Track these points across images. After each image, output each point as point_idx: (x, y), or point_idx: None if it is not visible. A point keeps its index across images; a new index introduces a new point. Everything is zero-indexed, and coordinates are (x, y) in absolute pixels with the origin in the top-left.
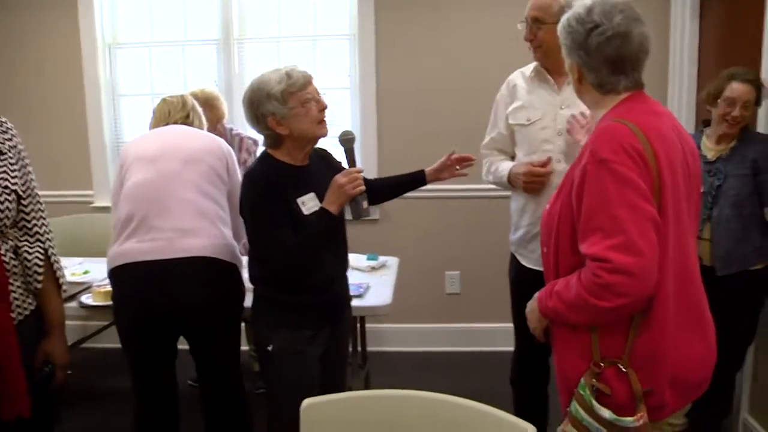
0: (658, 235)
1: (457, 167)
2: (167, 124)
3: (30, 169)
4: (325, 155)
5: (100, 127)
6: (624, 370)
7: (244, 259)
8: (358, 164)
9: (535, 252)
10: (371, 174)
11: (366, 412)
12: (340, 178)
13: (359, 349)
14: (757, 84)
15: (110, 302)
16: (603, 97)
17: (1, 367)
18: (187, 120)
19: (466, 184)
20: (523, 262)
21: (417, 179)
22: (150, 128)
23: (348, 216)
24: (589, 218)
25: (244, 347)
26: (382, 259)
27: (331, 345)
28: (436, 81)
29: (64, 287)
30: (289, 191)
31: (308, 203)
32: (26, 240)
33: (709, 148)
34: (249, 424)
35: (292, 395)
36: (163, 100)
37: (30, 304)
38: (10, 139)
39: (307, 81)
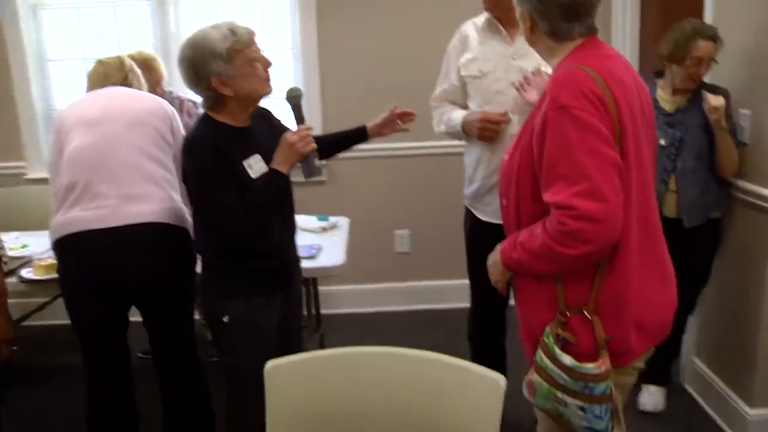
0: (621, 181)
1: (399, 122)
2: (104, 86)
3: None
4: (265, 114)
5: (28, 94)
6: (589, 317)
7: None
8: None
9: (490, 205)
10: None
11: (333, 371)
12: (290, 137)
13: (313, 312)
14: (716, 39)
15: (54, 275)
16: (557, 45)
17: None
18: (125, 81)
19: (413, 142)
20: (479, 216)
21: (358, 135)
22: (87, 92)
23: (297, 177)
24: (551, 166)
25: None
26: (332, 219)
27: (286, 310)
28: (381, 34)
29: (4, 259)
30: (234, 154)
31: (255, 165)
32: None
33: (666, 100)
34: (207, 393)
35: (252, 365)
36: (99, 62)
37: None
38: None
39: (251, 37)
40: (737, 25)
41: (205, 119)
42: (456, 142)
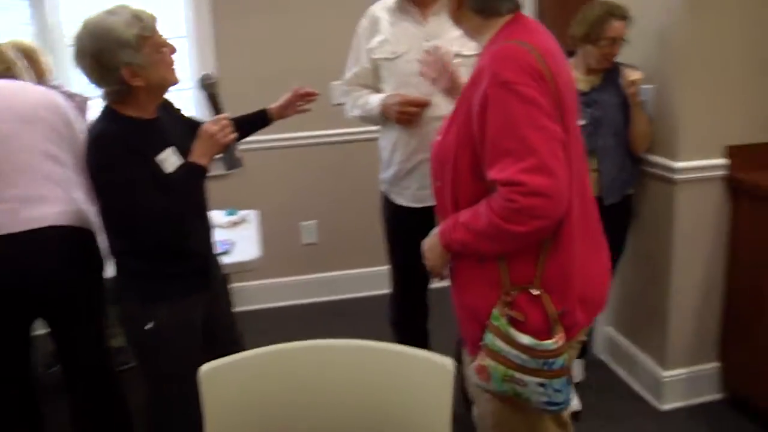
0: (565, 155)
1: (299, 103)
2: None
3: None
4: (167, 105)
5: None
6: (536, 293)
7: None
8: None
9: (409, 189)
10: None
11: (273, 368)
12: (210, 127)
13: None
14: (628, 18)
15: None
16: (485, 22)
17: None
18: (8, 73)
19: (316, 130)
20: (398, 201)
21: (261, 118)
22: None
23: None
24: (496, 142)
25: None
26: (241, 213)
27: (212, 309)
28: (280, 20)
29: None
30: (146, 149)
31: (169, 159)
32: None
33: (581, 80)
34: (125, 404)
35: (181, 368)
36: None
37: None
38: None
39: (155, 22)
40: (639, 3)
41: (109, 114)
42: (360, 129)
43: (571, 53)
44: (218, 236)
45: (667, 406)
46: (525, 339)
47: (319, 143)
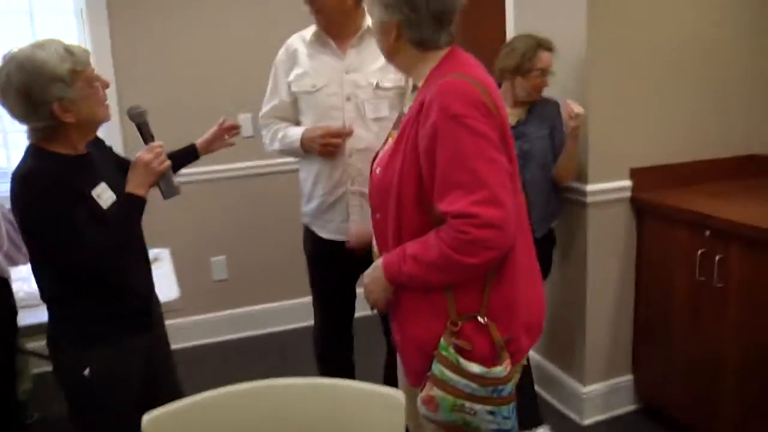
0: (511, 186)
1: (226, 136)
2: None
3: None
4: (97, 141)
5: None
6: (483, 322)
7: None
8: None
9: (332, 222)
10: None
11: (218, 413)
12: (144, 156)
13: None
14: (553, 50)
15: None
16: (423, 54)
17: None
18: None
19: (223, 164)
20: (320, 234)
21: (189, 153)
22: None
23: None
24: (446, 175)
25: None
26: (153, 251)
27: (151, 353)
28: (188, 52)
29: None
30: (79, 185)
31: (104, 195)
32: None
33: (507, 113)
34: None
35: (119, 418)
36: None
37: None
38: None
39: (88, 57)
40: (549, 34)
41: (35, 151)
42: (267, 161)
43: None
44: None
45: (588, 421)
46: (475, 368)
47: (226, 177)
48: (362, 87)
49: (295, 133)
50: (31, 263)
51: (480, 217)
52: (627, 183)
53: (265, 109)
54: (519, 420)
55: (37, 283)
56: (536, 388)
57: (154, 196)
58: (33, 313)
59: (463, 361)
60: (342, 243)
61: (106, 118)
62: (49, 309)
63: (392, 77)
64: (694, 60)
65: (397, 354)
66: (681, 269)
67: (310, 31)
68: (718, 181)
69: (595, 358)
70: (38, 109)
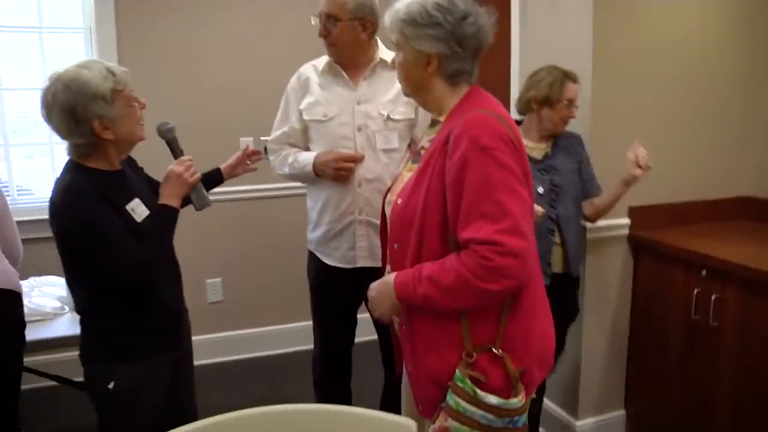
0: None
1: (248, 162)
2: None
3: None
4: (130, 160)
5: None
6: (498, 354)
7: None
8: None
9: (338, 250)
10: None
11: None
12: (176, 168)
13: None
14: (578, 82)
15: None
16: (450, 89)
17: None
18: None
19: (220, 187)
20: (326, 261)
21: (214, 176)
22: None
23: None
24: (473, 204)
25: None
26: None
27: (179, 369)
28: (190, 75)
29: None
30: (117, 199)
31: (137, 209)
32: None
33: (533, 147)
34: None
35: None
36: None
37: None
38: None
39: (128, 78)
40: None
41: (74, 166)
42: (265, 186)
43: (519, 121)
44: None
45: None
46: (492, 399)
47: (222, 200)
48: (373, 118)
49: (307, 157)
50: (66, 275)
51: (504, 245)
52: (625, 221)
53: (275, 134)
54: None
55: (72, 295)
56: None
57: None
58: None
59: (480, 393)
60: (347, 270)
61: (142, 136)
62: (81, 321)
63: (402, 110)
64: (695, 102)
65: (402, 384)
66: (676, 307)
67: (322, 60)
68: (715, 221)
69: (588, 392)
70: (80, 126)
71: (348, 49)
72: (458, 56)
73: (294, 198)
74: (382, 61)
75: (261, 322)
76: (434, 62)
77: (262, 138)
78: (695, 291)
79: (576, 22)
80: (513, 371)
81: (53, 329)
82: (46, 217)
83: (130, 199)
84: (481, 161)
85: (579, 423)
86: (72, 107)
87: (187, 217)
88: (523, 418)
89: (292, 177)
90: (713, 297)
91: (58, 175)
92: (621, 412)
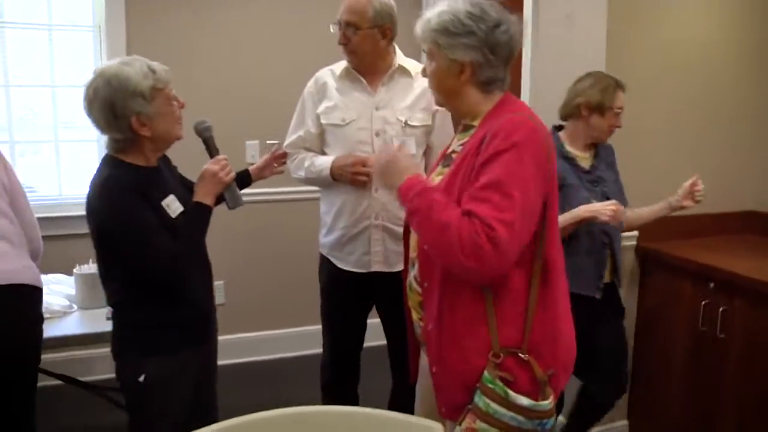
0: (531, 229)
1: (275, 164)
2: None
3: None
4: (165, 159)
5: None
6: (525, 358)
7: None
8: None
9: (353, 254)
10: None
11: None
12: (212, 167)
13: None
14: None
15: None
16: (483, 97)
17: None
18: None
19: None
20: (339, 265)
21: (243, 177)
22: None
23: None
24: (486, 187)
25: None
26: None
27: (206, 365)
28: (200, 76)
29: None
30: (153, 195)
31: (172, 205)
32: None
33: (581, 157)
34: None
35: (172, 424)
36: None
37: None
38: None
39: (169, 76)
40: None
41: (112, 161)
42: (270, 189)
43: (559, 127)
44: None
45: None
46: (524, 400)
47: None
48: (391, 123)
49: (324, 161)
50: (99, 268)
51: (495, 231)
52: (633, 232)
53: (291, 138)
54: None
55: (105, 288)
56: None
57: None
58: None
59: (512, 394)
60: (361, 275)
61: (179, 135)
62: (114, 314)
63: (420, 116)
64: (702, 118)
65: (417, 387)
66: (683, 319)
67: (339, 66)
68: (721, 235)
69: None
70: (119, 121)
71: (368, 56)
72: (491, 64)
73: (300, 202)
74: (400, 68)
75: (264, 326)
76: (467, 70)
77: (268, 142)
78: (703, 303)
79: (589, 37)
80: (540, 375)
81: (61, 327)
82: (51, 215)
83: (165, 195)
84: (509, 155)
85: None
86: (112, 102)
87: None
88: (551, 421)
89: (307, 181)
90: (721, 309)
91: (96, 169)
92: (623, 422)
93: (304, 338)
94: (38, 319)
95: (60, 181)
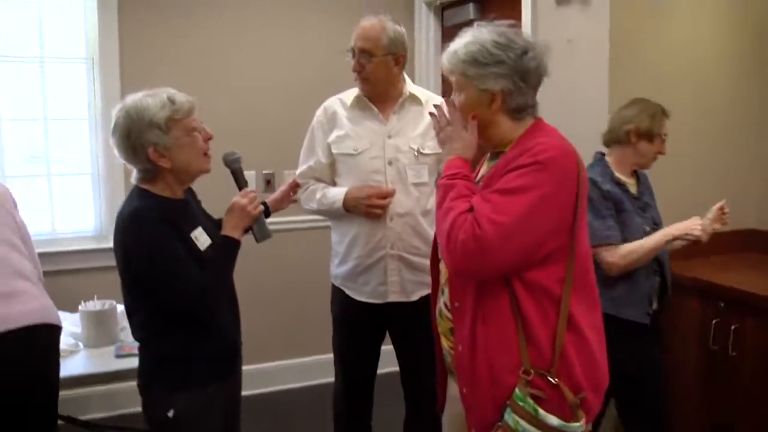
0: (534, 240)
1: (291, 194)
2: None
3: None
4: (191, 192)
5: None
6: (554, 382)
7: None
8: None
9: (368, 284)
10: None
11: None
12: (240, 200)
13: None
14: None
15: None
16: (514, 124)
17: None
18: None
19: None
20: (354, 296)
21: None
22: None
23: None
24: (495, 191)
25: None
26: None
27: (231, 395)
28: (199, 41)
29: None
30: (181, 225)
31: (201, 237)
32: None
33: (630, 183)
34: None
35: None
36: None
37: None
38: None
39: (191, 107)
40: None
41: (141, 192)
42: (280, 219)
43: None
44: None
45: None
46: (554, 420)
47: None
48: (404, 152)
49: (337, 193)
50: (125, 301)
51: (482, 229)
52: None
53: (301, 168)
54: None
55: (130, 322)
56: None
57: None
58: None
59: (542, 413)
60: (377, 306)
61: (203, 167)
62: (141, 348)
63: (431, 144)
64: (703, 137)
65: (444, 416)
66: (693, 338)
67: (349, 94)
68: (724, 253)
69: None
70: (137, 152)
71: (381, 83)
72: (522, 91)
73: (298, 233)
74: (411, 95)
75: (266, 358)
76: (498, 99)
77: (264, 171)
78: (714, 321)
79: (591, 62)
80: (571, 399)
81: (68, 367)
82: (47, 249)
83: (193, 228)
84: (527, 169)
85: None
86: (128, 133)
87: None
88: None
89: (319, 212)
90: (732, 327)
91: (124, 201)
92: None
93: (312, 368)
94: (58, 358)
95: (53, 216)
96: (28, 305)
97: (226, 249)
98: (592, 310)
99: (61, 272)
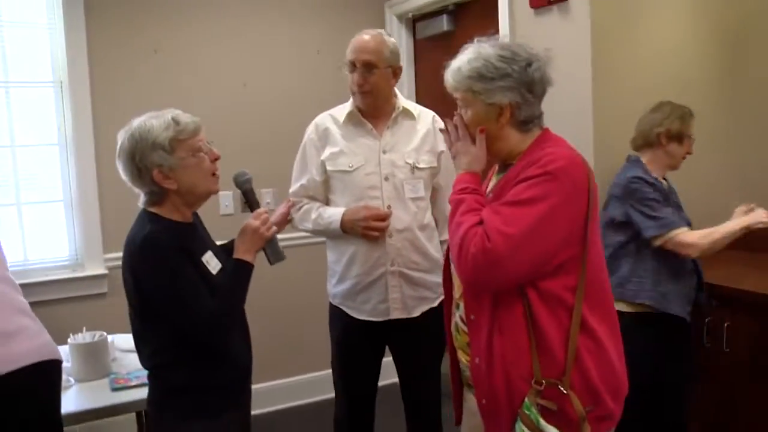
0: (545, 250)
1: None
2: None
3: None
4: (197, 216)
5: None
6: (565, 392)
7: None
8: None
9: (368, 302)
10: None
11: None
12: (253, 222)
13: None
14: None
15: None
16: (522, 136)
17: None
18: None
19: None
20: (353, 314)
21: None
22: None
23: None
24: (505, 203)
25: None
26: None
27: (243, 422)
28: (171, 63)
29: None
30: (191, 249)
31: (211, 262)
32: None
33: (664, 184)
34: None
35: None
36: None
37: None
38: None
39: (197, 127)
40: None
41: (149, 216)
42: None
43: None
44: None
45: None
46: (552, 431)
47: None
48: (399, 167)
49: (333, 214)
50: (134, 329)
51: (491, 241)
52: None
53: (294, 187)
54: None
55: (139, 351)
56: None
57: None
58: None
59: (542, 423)
60: (378, 323)
61: (210, 188)
62: (151, 377)
63: (426, 158)
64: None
65: (462, 427)
66: None
67: (340, 110)
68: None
69: None
70: (141, 174)
71: (381, 96)
72: (529, 102)
73: (304, 248)
74: (404, 110)
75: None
76: (506, 112)
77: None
78: (707, 319)
79: (572, 69)
80: (580, 410)
81: (63, 404)
82: (21, 281)
83: (204, 252)
84: (537, 180)
85: None
86: (133, 155)
87: None
88: None
89: (314, 233)
90: (725, 324)
91: (132, 225)
92: None
93: (306, 386)
94: (60, 393)
95: (25, 246)
96: (34, 342)
97: (239, 273)
98: (607, 319)
99: (38, 303)
